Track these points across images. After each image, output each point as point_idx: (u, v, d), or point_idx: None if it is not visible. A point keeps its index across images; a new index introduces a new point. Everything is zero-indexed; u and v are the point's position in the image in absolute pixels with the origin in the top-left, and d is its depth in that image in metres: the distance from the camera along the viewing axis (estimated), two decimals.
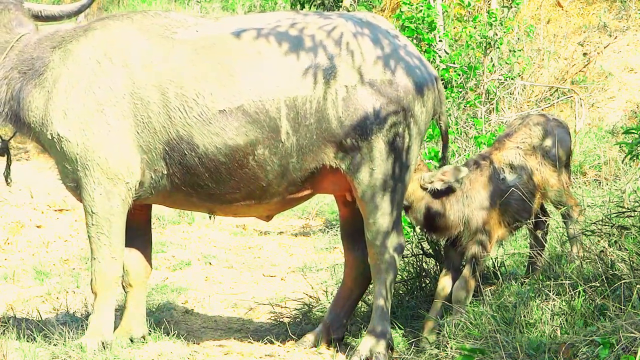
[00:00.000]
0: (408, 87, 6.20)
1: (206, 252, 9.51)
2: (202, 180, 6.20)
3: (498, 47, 10.70)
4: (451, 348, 5.79)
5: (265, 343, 6.66)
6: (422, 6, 9.61)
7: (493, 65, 10.87)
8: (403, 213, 6.47)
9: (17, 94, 6.35)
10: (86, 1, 6.58)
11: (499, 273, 6.61)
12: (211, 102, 6.08)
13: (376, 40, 6.23)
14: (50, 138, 6.26)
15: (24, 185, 10.94)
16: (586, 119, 11.41)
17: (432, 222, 6.50)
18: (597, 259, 5.90)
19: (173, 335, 6.58)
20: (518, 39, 12.77)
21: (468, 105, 10.59)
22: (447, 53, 10.88)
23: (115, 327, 6.44)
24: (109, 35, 6.26)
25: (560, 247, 6.68)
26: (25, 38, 6.42)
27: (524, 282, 6.45)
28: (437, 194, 6.45)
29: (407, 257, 7.21)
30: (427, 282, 7.18)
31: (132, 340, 6.46)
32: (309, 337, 6.65)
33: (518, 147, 6.63)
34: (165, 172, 6.22)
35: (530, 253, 6.90)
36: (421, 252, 7.24)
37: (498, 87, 11.08)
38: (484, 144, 7.75)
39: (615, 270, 5.75)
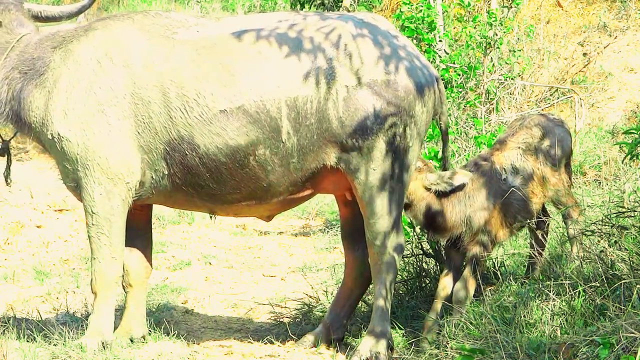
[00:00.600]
0: (408, 87, 6.20)
1: (206, 252, 9.51)
2: (202, 180, 6.20)
3: (498, 47, 10.70)
4: (451, 348, 5.79)
5: (265, 343, 6.66)
6: (422, 6, 9.62)
7: (493, 65, 10.87)
8: (403, 213, 6.47)
9: (18, 94, 6.35)
10: (86, 2, 6.59)
11: (499, 273, 6.61)
12: (212, 102, 6.09)
13: (376, 41, 6.23)
14: (50, 138, 6.26)
15: (24, 185, 10.94)
16: (586, 119, 11.41)
17: (433, 221, 6.50)
18: (597, 259, 5.90)
19: (173, 335, 6.58)
20: (518, 39, 12.77)
21: (468, 105, 10.59)
22: (447, 53, 10.89)
23: (115, 327, 6.44)
24: (110, 35, 6.26)
25: (560, 247, 6.68)
26: (26, 38, 6.42)
27: (524, 282, 6.46)
28: (439, 194, 6.46)
29: (407, 257, 7.21)
30: (427, 282, 7.18)
31: (132, 340, 6.46)
32: (309, 337, 6.65)
33: (519, 147, 6.63)
34: (166, 172, 6.23)
35: (530, 253, 6.90)
36: (421, 252, 7.24)
37: (498, 87, 11.09)
38: (484, 144, 7.75)
39: (615, 270, 5.75)
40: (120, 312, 6.81)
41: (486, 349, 5.43)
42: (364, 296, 6.86)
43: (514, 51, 11.44)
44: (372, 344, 6.27)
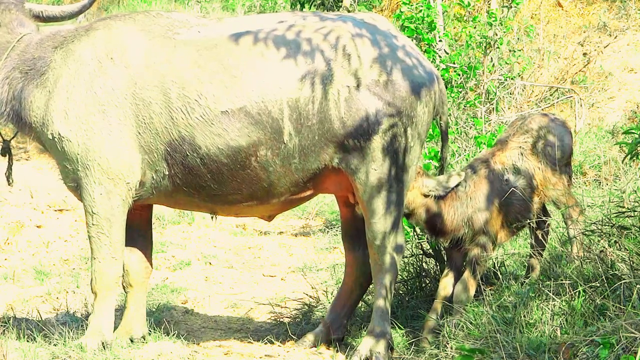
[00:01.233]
0: (410, 87, 6.20)
1: (206, 252, 9.50)
2: (204, 181, 6.20)
3: (498, 47, 10.70)
4: (451, 348, 5.79)
5: (265, 343, 6.66)
6: (422, 6, 9.61)
7: (493, 65, 10.87)
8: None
9: (19, 93, 6.35)
10: (87, 2, 6.58)
11: (499, 273, 6.61)
12: (213, 103, 6.08)
13: (377, 41, 6.23)
14: (50, 138, 6.26)
15: (24, 185, 10.94)
16: (586, 119, 11.41)
17: (435, 226, 6.51)
18: (597, 259, 5.90)
19: (173, 335, 6.58)
20: (518, 39, 12.77)
21: (468, 105, 10.59)
22: (447, 53, 10.88)
23: (116, 327, 6.44)
24: (111, 35, 6.26)
25: (560, 247, 6.68)
26: (27, 38, 6.42)
27: (524, 282, 6.45)
28: (438, 198, 6.46)
29: (407, 257, 7.21)
30: (427, 282, 7.18)
31: (132, 340, 6.46)
32: (309, 337, 6.66)
33: (520, 147, 6.63)
34: (167, 173, 6.23)
35: (530, 253, 6.89)
36: (421, 252, 7.25)
37: (498, 87, 11.09)
38: (484, 144, 7.75)
39: (615, 270, 5.75)
40: (120, 312, 6.81)
41: (486, 349, 5.43)
42: (364, 296, 6.86)
43: (514, 51, 11.43)
44: (372, 344, 6.27)
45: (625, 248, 5.90)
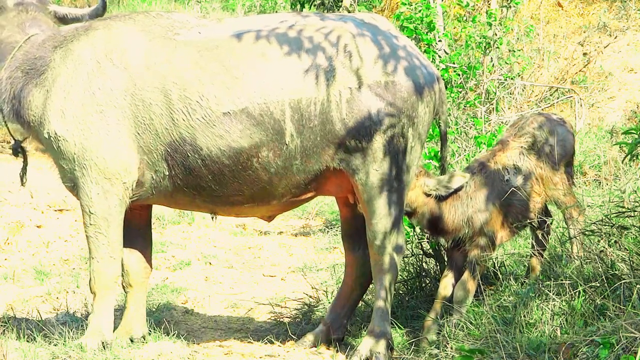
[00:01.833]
0: (411, 88, 6.20)
1: (206, 252, 9.50)
2: (204, 182, 6.19)
3: (498, 47, 10.70)
4: (451, 348, 5.79)
5: (265, 343, 6.66)
6: (421, 6, 9.61)
7: (493, 65, 10.87)
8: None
9: (19, 93, 6.36)
10: (99, 5, 6.60)
11: (499, 273, 6.61)
12: (215, 104, 6.08)
13: (378, 42, 6.22)
14: (47, 137, 6.26)
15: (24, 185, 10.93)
16: (586, 119, 11.42)
17: (436, 225, 6.51)
18: (597, 259, 5.90)
19: (173, 335, 6.58)
20: (517, 39, 12.77)
21: (468, 105, 10.59)
22: (447, 53, 10.88)
23: (116, 327, 6.44)
24: (111, 35, 6.26)
25: (560, 247, 6.68)
26: (33, 38, 6.44)
27: (524, 282, 6.45)
28: (440, 199, 6.46)
29: (407, 257, 7.21)
30: (427, 282, 7.19)
31: (132, 340, 6.46)
32: (309, 337, 6.66)
33: (521, 147, 6.63)
34: (167, 174, 6.22)
35: (530, 253, 6.90)
36: (421, 252, 7.25)
37: (498, 87, 11.09)
38: (484, 144, 7.75)
39: (615, 270, 5.75)
40: (120, 312, 6.81)
41: (486, 349, 5.43)
42: (364, 296, 6.86)
43: (514, 51, 11.43)
44: (372, 344, 6.27)
45: (625, 248, 5.90)
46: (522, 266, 7.15)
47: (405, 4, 9.67)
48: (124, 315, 6.55)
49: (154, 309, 7.42)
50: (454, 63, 10.32)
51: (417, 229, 7.22)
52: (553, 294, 5.71)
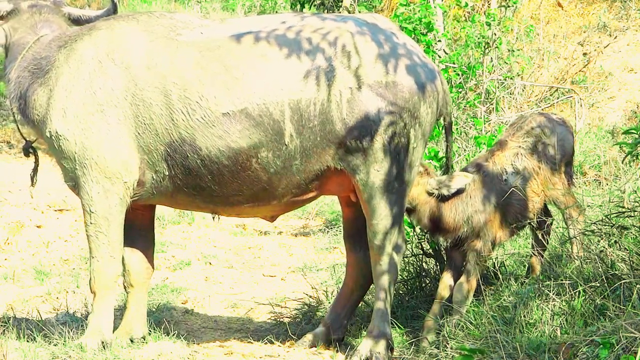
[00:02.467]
0: (413, 88, 6.19)
1: (206, 252, 9.50)
2: (204, 182, 6.19)
3: (497, 47, 10.69)
4: (451, 348, 5.79)
5: (265, 343, 6.66)
6: (419, 7, 9.61)
7: (492, 65, 10.87)
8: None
9: (25, 92, 6.39)
10: (110, 6, 6.63)
11: (499, 273, 6.61)
12: (215, 104, 6.08)
13: (379, 42, 6.22)
14: (49, 136, 6.27)
15: (24, 185, 10.93)
16: (586, 119, 11.41)
17: (437, 224, 6.51)
18: (597, 259, 5.90)
19: (173, 335, 6.58)
20: (517, 39, 12.77)
21: (468, 105, 10.59)
22: (447, 53, 10.88)
23: (116, 327, 6.44)
24: (113, 35, 6.26)
25: (560, 247, 6.68)
26: (42, 39, 6.48)
27: (524, 282, 6.46)
28: (442, 199, 6.46)
29: (407, 257, 7.21)
30: (427, 282, 7.19)
31: (132, 341, 6.46)
32: (309, 337, 6.66)
33: (520, 147, 6.63)
34: (167, 174, 6.22)
35: (530, 253, 6.90)
36: (421, 252, 7.25)
37: (498, 87, 11.09)
38: (484, 144, 7.75)
39: (615, 270, 5.75)
40: (120, 312, 6.81)
41: (486, 349, 5.43)
42: (364, 296, 6.86)
43: (514, 51, 11.43)
44: (372, 344, 6.27)
45: (625, 248, 5.90)
46: (522, 266, 7.15)
47: (404, 5, 9.67)
48: (125, 315, 6.55)
49: (154, 309, 7.42)
50: (453, 63, 10.32)
51: (417, 229, 7.22)
52: (553, 294, 5.71)
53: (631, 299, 5.33)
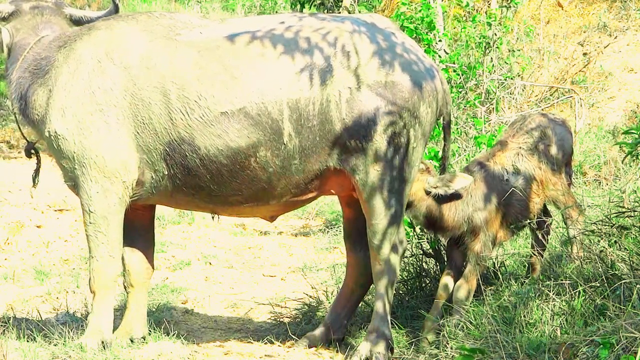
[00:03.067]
0: (412, 88, 6.19)
1: (206, 252, 9.50)
2: (203, 181, 6.19)
3: (497, 47, 10.69)
4: (451, 348, 5.79)
5: (265, 343, 6.66)
6: (420, 6, 9.61)
7: (493, 65, 10.87)
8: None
9: (25, 92, 6.39)
10: (112, 7, 6.63)
11: (499, 273, 6.61)
12: (213, 104, 6.08)
13: (379, 42, 6.22)
14: (48, 136, 6.27)
15: (24, 185, 10.93)
16: (586, 119, 11.41)
17: (433, 222, 6.51)
18: (597, 259, 5.90)
19: (173, 335, 6.58)
20: (517, 39, 12.77)
21: (468, 105, 10.59)
22: (447, 53, 10.88)
23: (116, 327, 6.44)
24: (112, 35, 6.27)
25: (560, 247, 6.68)
26: (43, 39, 6.49)
27: (524, 282, 6.46)
28: (439, 199, 6.46)
29: (407, 257, 7.21)
30: (427, 282, 7.18)
31: (132, 341, 6.46)
32: (309, 337, 6.65)
33: (520, 147, 6.63)
34: (166, 173, 6.23)
35: (530, 253, 6.90)
36: (421, 252, 7.25)
37: (498, 87, 11.09)
38: (484, 144, 7.75)
39: (615, 270, 5.75)
40: (120, 312, 6.81)
41: (486, 349, 5.43)
42: (364, 296, 6.86)
43: (514, 51, 11.43)
44: (372, 345, 6.27)
45: (625, 248, 5.90)
46: (522, 266, 7.15)
47: (405, 4, 9.67)
48: (125, 316, 6.55)
49: (154, 309, 7.42)
50: (454, 63, 10.32)
51: (417, 229, 7.23)
52: (553, 294, 5.71)
53: (631, 299, 5.33)
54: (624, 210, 6.44)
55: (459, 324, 6.04)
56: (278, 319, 7.30)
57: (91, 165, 6.19)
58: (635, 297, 5.31)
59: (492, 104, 10.80)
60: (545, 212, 6.85)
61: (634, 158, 5.74)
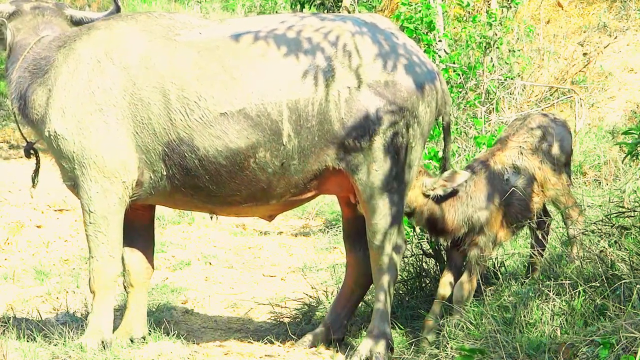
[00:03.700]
0: (411, 87, 6.19)
1: (206, 252, 9.50)
2: (202, 182, 6.19)
3: (498, 47, 10.69)
4: (451, 348, 5.79)
5: (265, 343, 6.66)
6: (420, 6, 9.61)
7: (493, 65, 10.87)
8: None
9: (24, 92, 6.40)
10: (113, 8, 6.64)
11: (499, 273, 6.61)
12: (213, 104, 6.08)
13: (378, 41, 6.22)
14: (48, 136, 6.27)
15: (24, 185, 10.93)
16: (586, 119, 11.41)
17: (436, 226, 6.51)
18: (597, 259, 5.90)
19: (173, 335, 6.58)
20: (517, 39, 12.76)
21: (468, 105, 10.59)
22: (447, 53, 10.88)
23: (116, 327, 6.44)
24: (112, 35, 6.27)
25: (561, 247, 6.68)
26: (43, 39, 6.49)
27: (524, 282, 6.45)
28: (439, 199, 6.46)
29: (407, 257, 7.21)
30: (427, 282, 7.18)
31: (132, 341, 6.46)
32: (309, 337, 6.66)
33: (520, 147, 6.63)
34: (165, 173, 6.22)
35: (530, 253, 6.90)
36: (421, 252, 7.25)
37: (498, 87, 11.08)
38: (484, 144, 7.75)
39: (615, 270, 5.75)
40: (120, 312, 6.81)
41: (486, 349, 5.43)
42: (364, 296, 6.86)
43: (514, 51, 11.43)
44: (372, 344, 6.27)
45: (625, 248, 5.90)
46: (522, 266, 7.15)
47: (405, 4, 9.67)
48: (125, 316, 6.55)
49: (154, 309, 7.41)
50: (454, 63, 10.31)
51: (417, 229, 7.22)
52: (553, 294, 5.70)
53: (631, 299, 5.33)
54: (624, 210, 6.44)
55: (459, 324, 6.04)
56: (278, 319, 7.30)
57: (91, 165, 6.19)
58: (635, 297, 5.31)
59: (492, 104, 10.80)
60: (545, 212, 6.85)
61: (634, 158, 5.74)
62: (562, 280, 5.78)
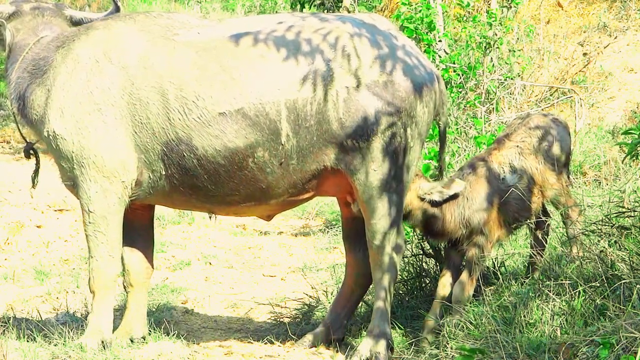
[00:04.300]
0: (409, 87, 6.19)
1: (206, 252, 9.50)
2: (201, 181, 6.19)
3: (498, 47, 10.69)
4: (451, 348, 5.79)
5: (265, 343, 6.67)
6: (420, 6, 9.61)
7: (493, 65, 10.87)
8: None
9: (24, 93, 6.40)
10: (113, 8, 6.64)
11: (499, 273, 6.61)
12: (211, 104, 6.08)
13: (376, 41, 6.22)
14: (47, 136, 6.28)
15: (24, 185, 10.93)
16: (586, 119, 11.41)
17: (432, 228, 6.50)
18: (597, 259, 5.90)
19: (173, 335, 6.58)
20: (517, 39, 12.76)
21: (468, 105, 10.59)
22: (447, 53, 10.88)
23: (116, 327, 6.44)
24: (110, 34, 6.27)
25: (561, 247, 6.68)
26: (42, 40, 6.49)
27: (524, 282, 6.45)
28: (435, 203, 6.45)
29: (407, 257, 7.21)
30: (427, 282, 7.18)
31: (132, 341, 6.46)
32: (309, 337, 6.66)
33: (518, 146, 6.63)
34: (164, 173, 6.23)
35: (530, 253, 6.90)
36: (421, 252, 7.24)
37: (498, 87, 11.08)
38: (484, 144, 7.75)
39: (615, 270, 5.75)
40: (120, 312, 6.81)
41: (486, 349, 5.43)
42: (364, 296, 6.86)
43: (514, 51, 11.43)
44: (372, 344, 6.27)
45: (625, 248, 5.90)
46: (522, 266, 7.15)
47: (405, 4, 9.66)
48: (125, 316, 6.56)
49: (154, 309, 7.42)
50: (454, 63, 10.31)
51: (417, 230, 7.22)
52: (553, 294, 5.70)
53: (631, 299, 5.33)
54: (624, 210, 6.44)
55: (459, 324, 6.04)
56: (278, 319, 7.30)
57: (90, 165, 6.20)
58: (635, 297, 5.31)
59: (492, 104, 10.80)
60: (544, 212, 6.84)
61: (634, 158, 5.74)
62: (562, 280, 5.78)
